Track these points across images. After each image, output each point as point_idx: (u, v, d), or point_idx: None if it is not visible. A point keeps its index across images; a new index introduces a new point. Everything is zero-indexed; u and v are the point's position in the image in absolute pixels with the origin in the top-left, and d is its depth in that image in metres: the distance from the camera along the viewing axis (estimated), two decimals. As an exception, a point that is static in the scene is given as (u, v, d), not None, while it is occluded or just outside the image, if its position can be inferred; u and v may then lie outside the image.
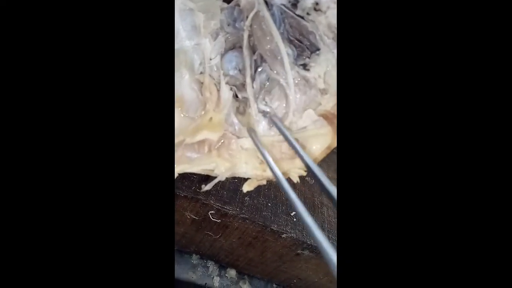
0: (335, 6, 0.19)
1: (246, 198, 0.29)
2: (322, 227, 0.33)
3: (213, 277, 0.35)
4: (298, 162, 0.22)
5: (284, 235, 0.30)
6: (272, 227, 0.29)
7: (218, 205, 0.28)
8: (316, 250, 0.31)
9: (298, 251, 0.32)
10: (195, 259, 0.35)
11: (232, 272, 0.36)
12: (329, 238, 0.32)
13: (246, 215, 0.28)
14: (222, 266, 0.36)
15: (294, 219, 0.32)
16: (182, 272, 0.34)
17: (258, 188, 0.30)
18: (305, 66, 0.21)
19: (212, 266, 0.35)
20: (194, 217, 0.29)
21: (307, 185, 0.36)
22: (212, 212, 0.28)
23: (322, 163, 0.40)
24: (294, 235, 0.30)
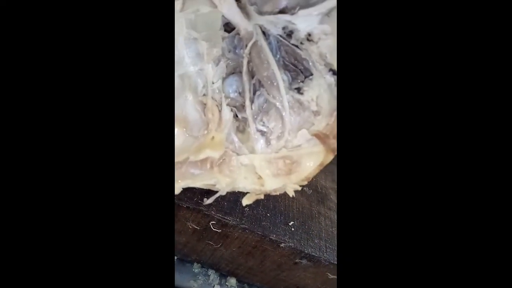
0: (326, 37, 0.22)
1: (246, 209, 0.32)
2: (319, 237, 0.35)
3: (213, 286, 0.37)
4: (294, 178, 0.25)
5: (282, 245, 0.32)
6: (271, 237, 0.32)
7: (219, 216, 0.30)
8: (313, 259, 0.34)
9: (296, 260, 0.34)
10: (196, 267, 0.37)
11: (232, 281, 0.38)
12: (326, 247, 0.35)
13: (245, 225, 0.31)
14: (223, 275, 0.38)
15: (292, 229, 0.34)
16: (184, 280, 0.37)
17: (258, 200, 0.33)
18: (299, 90, 0.24)
19: (213, 275, 0.37)
20: (196, 227, 0.31)
21: (305, 195, 0.38)
22: (213, 222, 0.30)
23: (320, 173, 0.43)
24: (292, 244, 0.32)
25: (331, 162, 0.46)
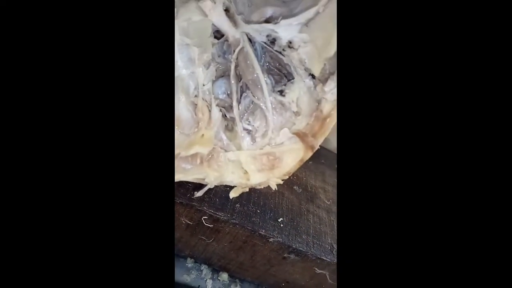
0: (305, 45, 0.24)
1: (237, 205, 0.34)
2: (307, 233, 0.37)
3: (206, 280, 0.39)
4: (276, 172, 0.27)
5: (271, 239, 0.34)
6: (260, 232, 0.34)
7: (211, 211, 0.32)
8: (301, 253, 0.36)
9: (285, 255, 0.36)
10: (189, 262, 0.39)
11: (224, 276, 0.40)
12: (313, 243, 0.37)
13: (236, 221, 0.33)
14: (215, 270, 0.40)
15: (281, 225, 0.36)
16: (177, 274, 0.38)
17: (248, 196, 0.35)
18: (281, 93, 0.26)
19: (205, 270, 0.39)
20: (189, 222, 0.33)
21: (295, 194, 0.41)
22: (205, 217, 0.33)
23: (310, 173, 0.45)
24: (281, 239, 0.34)
25: (321, 163, 0.48)
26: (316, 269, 0.37)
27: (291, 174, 0.28)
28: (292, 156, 0.27)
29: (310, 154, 0.27)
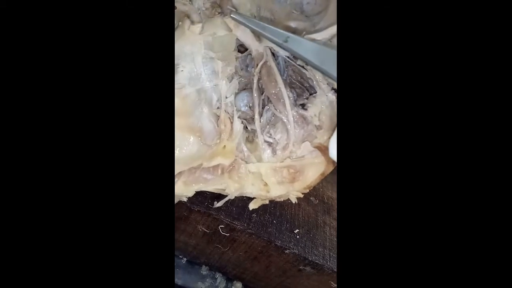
0: (328, 59, 0.25)
1: (253, 214, 0.34)
2: (323, 245, 0.37)
3: (220, 288, 0.40)
4: (297, 185, 0.28)
5: (287, 251, 0.35)
6: (276, 243, 0.34)
7: (228, 220, 0.33)
8: (317, 266, 0.36)
9: (300, 267, 0.36)
10: (204, 270, 0.40)
11: (238, 285, 0.40)
12: (330, 256, 0.37)
13: (252, 231, 0.33)
14: (229, 279, 0.40)
15: (297, 237, 0.36)
16: (192, 282, 0.39)
17: (265, 206, 0.35)
18: (303, 106, 0.27)
19: (220, 278, 0.40)
20: (206, 230, 0.34)
21: (312, 205, 0.41)
22: (222, 226, 0.33)
23: (327, 184, 0.45)
24: (297, 251, 0.35)
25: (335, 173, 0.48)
26: (332, 283, 0.37)
27: (311, 188, 0.28)
28: (313, 170, 0.27)
29: (331, 168, 0.28)
